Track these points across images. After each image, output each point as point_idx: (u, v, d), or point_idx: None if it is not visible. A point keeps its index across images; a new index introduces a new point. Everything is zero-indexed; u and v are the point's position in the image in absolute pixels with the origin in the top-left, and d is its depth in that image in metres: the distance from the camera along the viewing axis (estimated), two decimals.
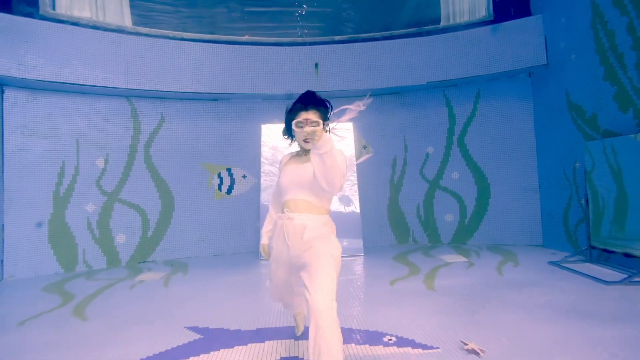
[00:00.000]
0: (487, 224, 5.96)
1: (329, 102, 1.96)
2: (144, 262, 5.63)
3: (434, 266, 4.60)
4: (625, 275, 3.68)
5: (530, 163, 5.74)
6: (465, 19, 6.20)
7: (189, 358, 2.34)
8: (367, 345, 2.43)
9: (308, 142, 1.85)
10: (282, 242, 1.90)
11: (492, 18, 5.93)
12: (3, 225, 4.78)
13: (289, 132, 1.99)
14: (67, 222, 5.20)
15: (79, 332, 2.84)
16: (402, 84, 6.04)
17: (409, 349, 2.35)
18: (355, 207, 5.80)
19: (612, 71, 4.24)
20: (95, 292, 4.01)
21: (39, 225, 4.63)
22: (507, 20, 5.66)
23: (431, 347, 2.36)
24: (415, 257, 5.20)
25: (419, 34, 6.24)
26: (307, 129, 1.83)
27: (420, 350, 2.33)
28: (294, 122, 1.88)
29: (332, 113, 1.98)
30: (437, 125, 6.27)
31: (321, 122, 1.87)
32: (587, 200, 4.39)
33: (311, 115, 1.85)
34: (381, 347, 2.40)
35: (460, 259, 4.94)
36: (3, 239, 4.77)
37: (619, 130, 4.16)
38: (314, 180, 1.83)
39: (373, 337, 2.55)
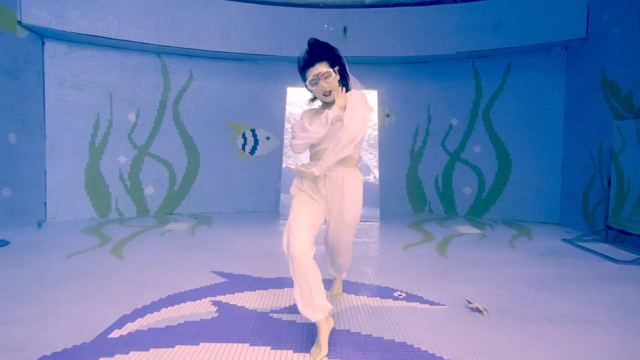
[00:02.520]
0: (504, 199, 5.99)
1: (331, 47, 1.95)
2: (170, 213, 5.99)
3: (448, 235, 4.73)
4: (637, 256, 3.73)
5: (555, 141, 5.65)
6: None
7: (215, 296, 2.60)
8: (378, 298, 2.63)
9: (327, 95, 1.93)
10: (315, 192, 1.97)
11: None
12: (45, 170, 5.15)
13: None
14: (101, 172, 5.54)
15: (118, 268, 3.16)
16: (432, 53, 5.93)
17: (417, 304, 2.54)
18: (375, 175, 5.92)
19: None
20: (129, 236, 4.35)
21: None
22: None
23: (438, 304, 2.54)
24: (430, 226, 5.33)
25: (454, 1, 6.02)
26: (322, 83, 1.88)
27: (427, 305, 2.51)
28: (307, 82, 1.91)
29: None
30: (463, 96, 6.18)
31: (331, 70, 1.89)
32: (609, 181, 4.36)
33: (320, 68, 1.87)
34: (391, 300, 2.60)
35: (474, 230, 5.04)
36: (46, 183, 5.15)
37: None
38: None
39: (384, 292, 2.74)
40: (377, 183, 5.92)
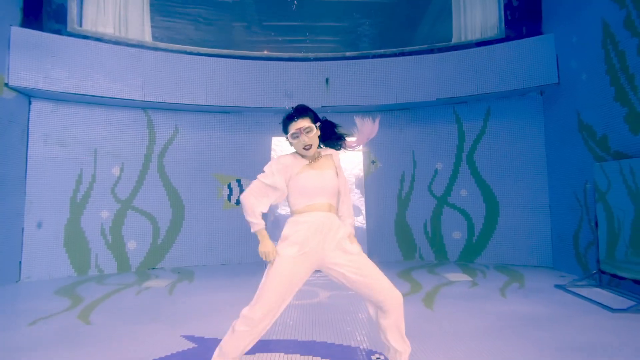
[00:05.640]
0: (495, 243, 5.86)
1: (310, 110, 2.12)
2: (153, 268, 5.79)
3: (436, 284, 4.56)
4: (634, 303, 3.56)
5: (540, 183, 5.64)
6: (477, 36, 6.21)
7: None
8: None
9: (308, 149, 2.02)
10: (318, 238, 1.96)
11: (504, 36, 5.93)
12: (23, 228, 5.04)
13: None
14: (82, 227, 5.42)
15: (81, 335, 2.97)
16: (412, 100, 6.08)
17: None
18: (363, 218, 5.83)
19: (623, 92, 4.17)
20: (102, 296, 4.16)
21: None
22: (519, 38, 5.65)
23: None
24: (420, 275, 5.16)
25: (430, 51, 6.28)
26: (304, 137, 2.00)
27: None
28: (289, 135, 2.03)
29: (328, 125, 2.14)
30: (446, 141, 6.25)
31: (314, 125, 2.03)
32: (596, 223, 4.28)
33: (302, 123, 2.01)
34: None
35: (464, 277, 4.87)
36: (22, 242, 5.02)
37: (630, 152, 4.07)
38: (336, 187, 2.08)
39: (362, 355, 2.56)
40: (364, 227, 5.82)
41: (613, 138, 4.31)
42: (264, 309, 1.90)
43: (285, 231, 2.03)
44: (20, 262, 4.98)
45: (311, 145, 2.02)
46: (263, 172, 2.06)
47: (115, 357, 2.54)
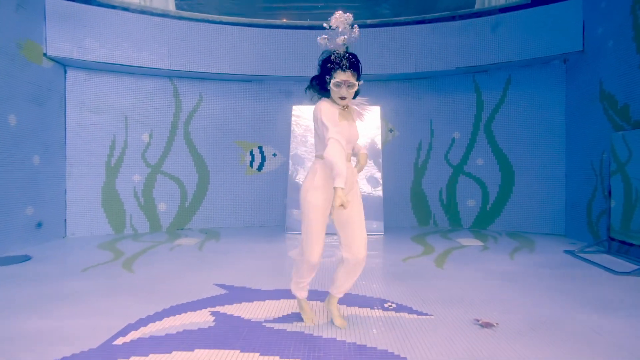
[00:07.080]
0: (509, 211, 6.01)
1: (360, 65, 2.21)
2: (181, 229, 6.24)
3: (449, 247, 4.80)
4: (637, 267, 3.71)
5: (557, 152, 5.67)
6: (501, 2, 6.06)
7: (215, 307, 2.77)
8: (368, 309, 2.75)
9: (344, 99, 2.14)
10: (329, 191, 2.20)
11: (529, 1, 5.77)
12: (65, 189, 5.49)
13: (321, 85, 2.19)
14: (117, 190, 5.85)
15: (127, 281, 3.38)
16: (432, 69, 6.08)
17: (405, 314, 2.65)
18: (380, 185, 6.02)
19: None
20: (140, 251, 4.60)
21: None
22: (545, 3, 5.50)
23: (425, 314, 2.63)
24: (433, 239, 5.40)
25: (452, 18, 6.19)
26: (344, 90, 2.11)
27: (415, 315, 2.61)
28: (332, 82, 2.12)
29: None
30: (464, 110, 6.28)
31: (357, 83, 2.16)
32: (609, 192, 4.36)
33: (350, 77, 2.11)
34: (380, 310, 2.71)
35: (476, 242, 5.08)
36: (66, 202, 5.49)
37: None
38: (357, 138, 2.32)
39: (375, 303, 2.86)
40: (381, 193, 6.00)
41: (635, 107, 4.29)
42: (312, 239, 2.21)
43: (310, 175, 2.25)
44: (65, 220, 5.48)
45: (346, 98, 2.15)
46: (326, 127, 2.08)
47: (160, 298, 2.92)
